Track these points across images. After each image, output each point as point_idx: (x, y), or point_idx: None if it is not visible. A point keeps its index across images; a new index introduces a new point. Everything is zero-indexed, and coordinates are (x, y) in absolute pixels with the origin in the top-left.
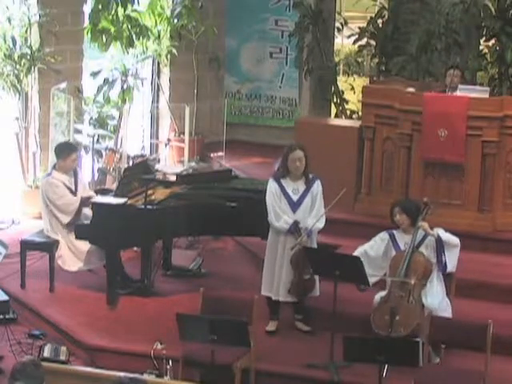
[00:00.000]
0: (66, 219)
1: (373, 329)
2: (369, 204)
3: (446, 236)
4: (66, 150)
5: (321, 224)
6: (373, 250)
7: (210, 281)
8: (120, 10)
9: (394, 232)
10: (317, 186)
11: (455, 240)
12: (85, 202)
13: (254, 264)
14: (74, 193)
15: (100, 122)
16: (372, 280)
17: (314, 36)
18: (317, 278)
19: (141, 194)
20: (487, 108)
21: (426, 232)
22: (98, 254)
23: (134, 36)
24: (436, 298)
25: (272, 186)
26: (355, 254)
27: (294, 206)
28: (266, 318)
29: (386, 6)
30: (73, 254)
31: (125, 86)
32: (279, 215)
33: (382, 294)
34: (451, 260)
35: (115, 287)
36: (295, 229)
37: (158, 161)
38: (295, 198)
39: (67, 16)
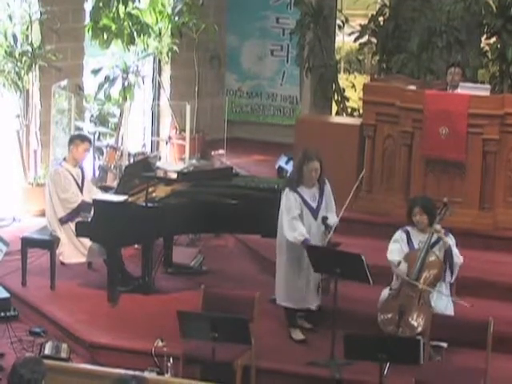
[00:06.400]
0: (60, 213)
1: (378, 325)
2: (370, 202)
3: (455, 250)
4: (79, 138)
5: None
6: (401, 254)
7: (210, 278)
8: (121, 8)
9: (409, 229)
10: (327, 187)
11: (460, 258)
12: (83, 205)
13: (255, 261)
14: (81, 189)
15: (101, 120)
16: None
17: (315, 34)
18: None
19: (142, 191)
20: (488, 106)
21: (441, 238)
22: (100, 248)
23: (134, 33)
24: (443, 301)
25: (292, 198)
26: (396, 260)
27: (314, 212)
28: (266, 316)
29: (387, 3)
30: (74, 247)
31: (126, 84)
32: (294, 227)
33: (389, 290)
34: (453, 274)
35: (116, 285)
36: (324, 225)
37: (159, 158)
38: (314, 205)
39: (68, 13)
